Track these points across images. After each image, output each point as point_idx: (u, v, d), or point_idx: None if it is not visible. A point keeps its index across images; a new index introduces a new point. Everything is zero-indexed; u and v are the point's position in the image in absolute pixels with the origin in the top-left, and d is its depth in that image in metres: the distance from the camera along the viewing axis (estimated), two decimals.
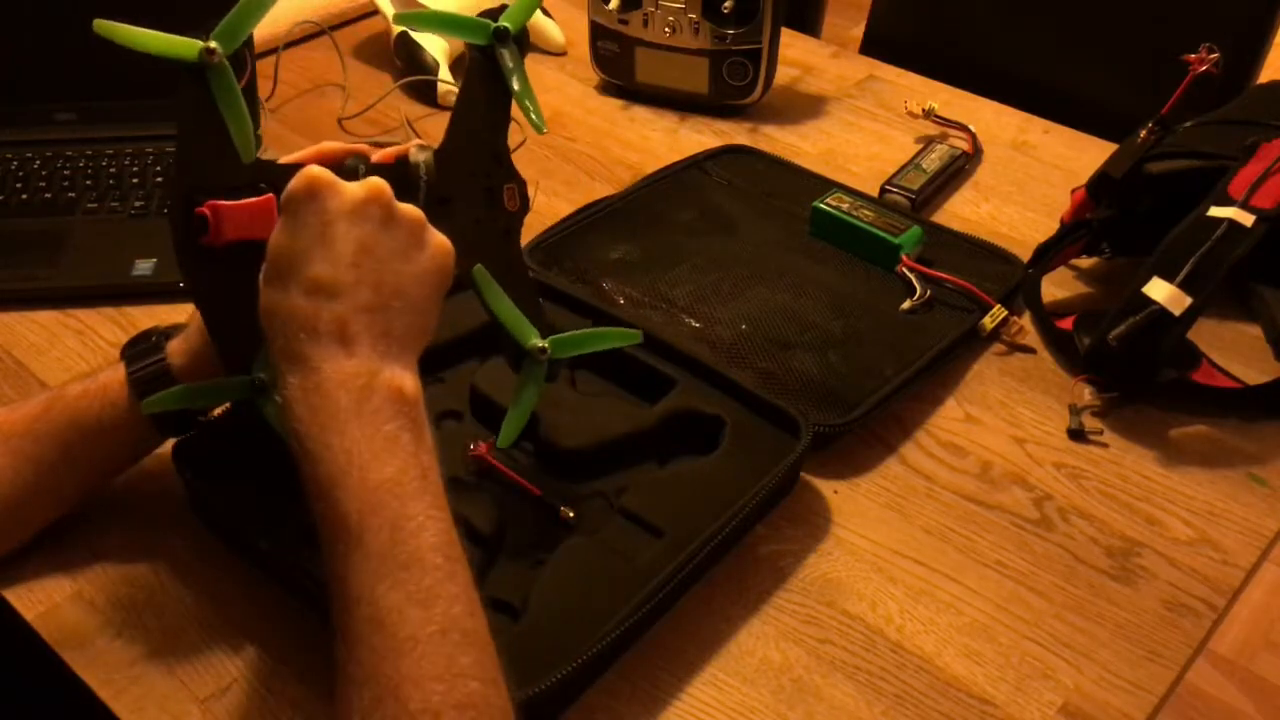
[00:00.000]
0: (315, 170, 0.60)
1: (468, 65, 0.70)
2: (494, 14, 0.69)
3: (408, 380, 0.59)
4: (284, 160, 0.66)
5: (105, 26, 0.62)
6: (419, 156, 0.67)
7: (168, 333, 0.70)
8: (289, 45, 1.24)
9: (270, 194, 0.62)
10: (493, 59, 0.68)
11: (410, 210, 0.61)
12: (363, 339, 0.58)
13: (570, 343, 0.70)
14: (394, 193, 0.62)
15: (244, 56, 0.63)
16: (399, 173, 0.66)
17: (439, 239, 0.63)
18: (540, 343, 0.68)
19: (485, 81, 0.69)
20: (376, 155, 0.68)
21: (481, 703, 0.53)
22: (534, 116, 0.69)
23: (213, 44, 0.61)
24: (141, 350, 0.69)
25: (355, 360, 0.58)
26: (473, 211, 0.68)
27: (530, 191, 0.73)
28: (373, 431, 0.57)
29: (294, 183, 0.59)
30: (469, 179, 0.68)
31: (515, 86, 0.68)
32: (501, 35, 0.68)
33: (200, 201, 0.61)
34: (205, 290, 0.64)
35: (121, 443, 0.70)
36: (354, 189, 0.60)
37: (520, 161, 1.12)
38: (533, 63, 1.29)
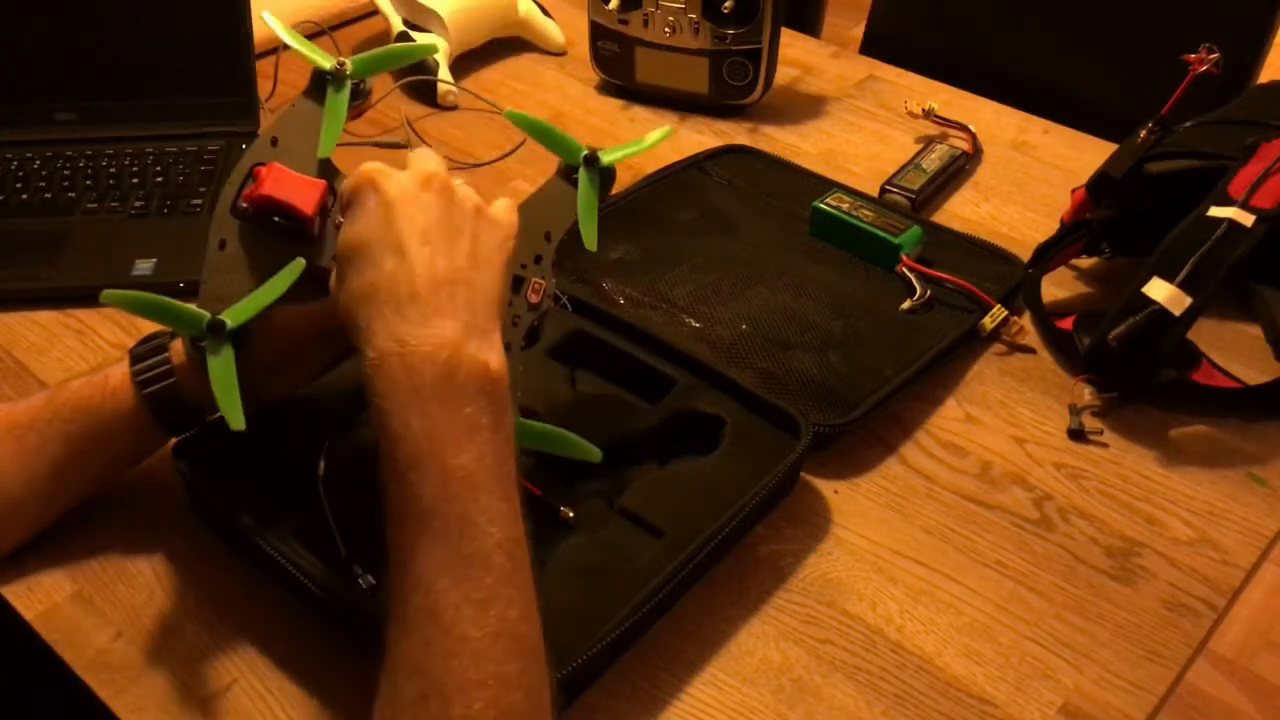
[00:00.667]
0: (370, 164, 0.61)
1: (553, 173, 0.74)
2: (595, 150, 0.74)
3: (493, 356, 0.58)
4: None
5: (271, 21, 0.72)
6: None
7: (174, 334, 0.70)
8: (289, 45, 1.24)
9: (324, 182, 0.67)
10: (572, 179, 0.73)
11: (465, 189, 0.62)
12: (445, 312, 0.57)
13: (531, 433, 0.70)
14: None
15: (367, 91, 0.70)
16: None
17: (501, 208, 0.63)
18: None
19: (557, 193, 0.73)
20: None
21: (522, 715, 0.53)
22: (588, 236, 0.73)
23: (346, 60, 0.69)
24: (147, 349, 0.69)
25: (440, 332, 0.56)
26: None
27: (564, 299, 0.77)
28: (455, 413, 0.56)
29: (352, 177, 0.61)
30: None
31: (580, 203, 0.72)
32: (590, 160, 0.73)
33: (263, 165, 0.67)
34: (220, 240, 0.67)
35: (124, 440, 0.70)
36: (410, 173, 0.61)
37: (520, 161, 1.13)
38: (533, 62, 1.29)
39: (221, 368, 0.63)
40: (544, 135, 0.74)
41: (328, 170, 0.69)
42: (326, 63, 0.69)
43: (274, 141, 0.68)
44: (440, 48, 1.22)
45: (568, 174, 0.73)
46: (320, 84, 0.69)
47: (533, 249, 0.70)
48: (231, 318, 0.64)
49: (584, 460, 0.71)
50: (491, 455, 0.56)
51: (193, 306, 0.65)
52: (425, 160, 0.62)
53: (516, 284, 0.70)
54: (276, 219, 0.67)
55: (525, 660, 0.54)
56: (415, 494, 0.54)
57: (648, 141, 0.78)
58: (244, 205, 0.67)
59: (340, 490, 0.69)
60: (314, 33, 1.28)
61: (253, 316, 0.65)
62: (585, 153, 0.72)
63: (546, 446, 0.71)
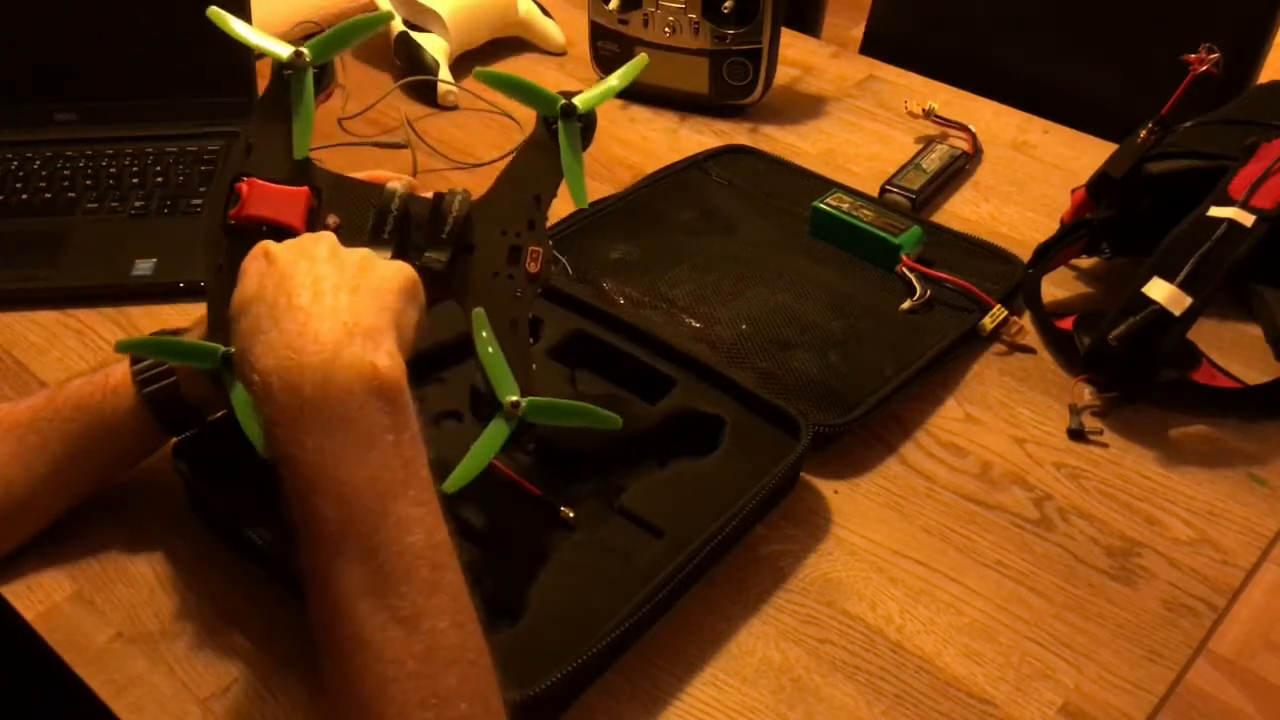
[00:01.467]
0: (260, 244, 0.61)
1: (531, 131, 0.71)
2: (570, 94, 0.70)
3: (381, 356, 0.55)
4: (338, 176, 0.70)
5: (216, 15, 0.69)
6: (454, 197, 0.68)
7: (174, 333, 0.70)
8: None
9: (306, 188, 0.66)
10: (553, 132, 0.70)
11: (359, 249, 0.62)
12: (323, 316, 0.56)
13: (548, 408, 0.67)
14: (423, 228, 0.66)
15: (330, 73, 0.69)
16: (433, 207, 0.68)
17: (397, 263, 0.63)
18: (515, 398, 0.66)
19: (540, 151, 0.70)
20: (420, 193, 0.69)
21: None
22: (577, 191, 0.70)
23: (304, 49, 0.66)
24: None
25: (314, 339, 0.55)
26: (493, 263, 0.69)
27: (563, 260, 0.75)
28: (345, 424, 0.53)
29: (246, 257, 0.61)
30: (498, 234, 0.69)
31: (565, 162, 0.69)
32: (567, 111, 0.69)
33: (243, 180, 0.66)
34: (218, 265, 0.66)
35: (125, 439, 0.70)
36: (298, 239, 0.61)
37: None
38: (533, 62, 1.29)
39: (242, 397, 0.62)
40: (516, 89, 0.71)
41: (308, 170, 0.67)
42: (284, 53, 0.67)
43: (249, 149, 0.67)
44: (440, 48, 1.22)
45: (547, 128, 0.70)
46: (281, 80, 0.67)
47: (524, 215, 0.68)
48: None
49: (604, 428, 0.69)
50: (397, 460, 0.54)
51: (203, 343, 0.65)
52: (317, 234, 0.63)
53: (514, 255, 0.68)
54: (263, 229, 0.66)
55: (463, 667, 0.53)
56: (321, 518, 0.53)
57: (623, 78, 0.74)
58: (232, 223, 0.66)
59: None
60: (314, 33, 1.27)
61: None
62: (562, 103, 0.69)
63: (565, 420, 0.69)
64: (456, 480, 0.64)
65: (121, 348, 0.66)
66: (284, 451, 0.54)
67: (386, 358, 0.56)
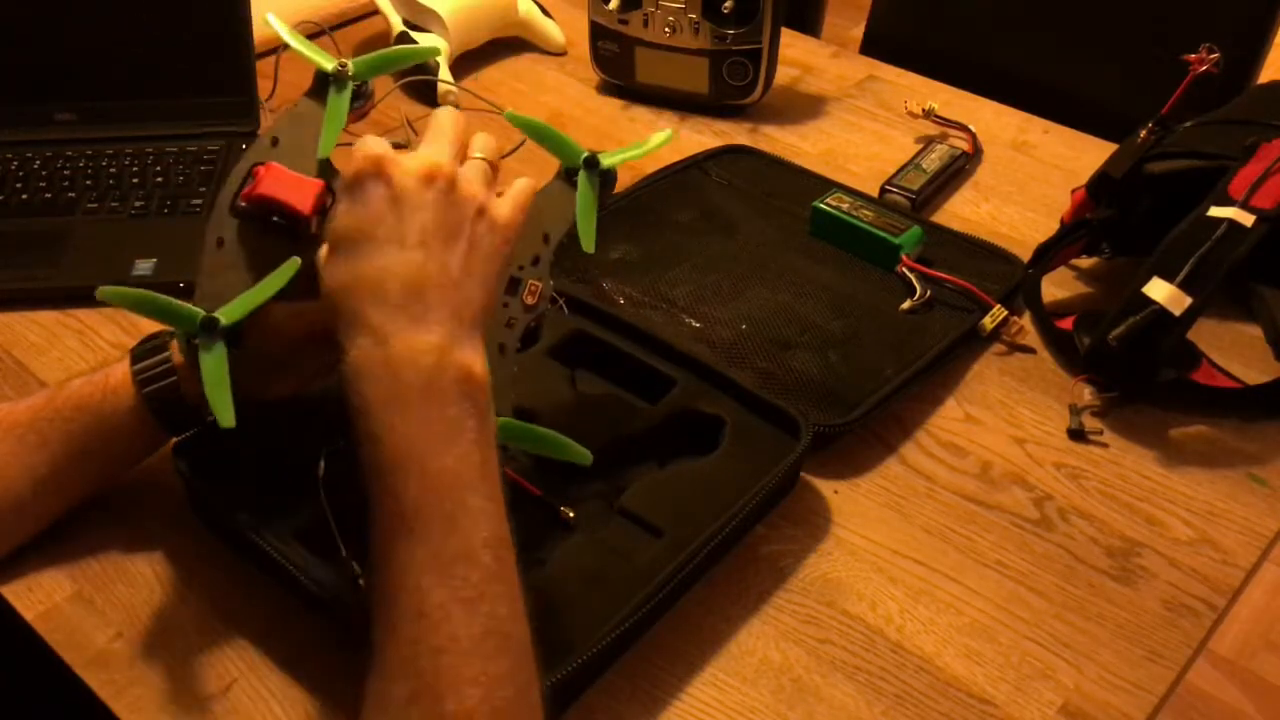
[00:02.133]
0: (376, 148, 0.61)
1: (555, 175, 0.73)
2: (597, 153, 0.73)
3: (477, 362, 0.58)
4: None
5: (274, 22, 0.72)
6: None
7: (174, 334, 0.70)
8: (289, 45, 1.24)
9: (322, 181, 0.67)
10: (572, 181, 0.72)
11: (470, 187, 0.61)
12: (433, 315, 0.57)
13: (520, 433, 0.68)
14: None
15: (369, 93, 0.71)
16: None
17: (502, 212, 0.62)
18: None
19: (557, 194, 0.72)
20: None
21: (515, 711, 0.53)
22: (585, 238, 0.72)
23: (348, 62, 0.69)
24: (148, 349, 0.69)
25: (426, 336, 0.56)
26: None
27: (560, 300, 0.78)
28: (438, 414, 0.56)
29: (357, 159, 0.60)
30: None
31: (579, 206, 0.72)
32: (590, 163, 0.72)
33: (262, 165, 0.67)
34: (218, 238, 0.67)
35: (124, 439, 0.70)
36: (416, 163, 0.60)
37: (520, 160, 1.13)
38: (532, 62, 1.29)
39: (214, 364, 0.63)
40: (544, 136, 0.73)
41: (327, 170, 0.69)
42: (329, 64, 0.69)
43: (274, 141, 0.69)
44: (441, 49, 1.22)
45: (568, 176, 0.73)
46: (322, 85, 0.69)
47: (530, 250, 0.70)
48: (225, 315, 0.64)
49: (575, 463, 0.70)
50: (477, 454, 0.56)
51: (189, 304, 0.65)
52: (437, 149, 0.62)
53: (513, 285, 0.70)
54: (275, 218, 0.67)
55: (514, 657, 0.54)
56: (398, 495, 0.54)
57: (649, 145, 0.77)
58: (242, 204, 0.67)
59: (340, 490, 0.69)
60: (314, 33, 1.28)
61: (246, 314, 0.65)
62: (585, 155, 0.72)
63: (538, 448, 0.70)
64: None
65: (104, 295, 0.65)
66: (371, 430, 0.55)
67: (480, 362, 0.58)
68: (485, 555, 0.55)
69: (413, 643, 0.53)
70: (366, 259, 0.58)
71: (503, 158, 1.03)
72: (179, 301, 0.65)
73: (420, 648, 0.52)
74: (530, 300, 0.70)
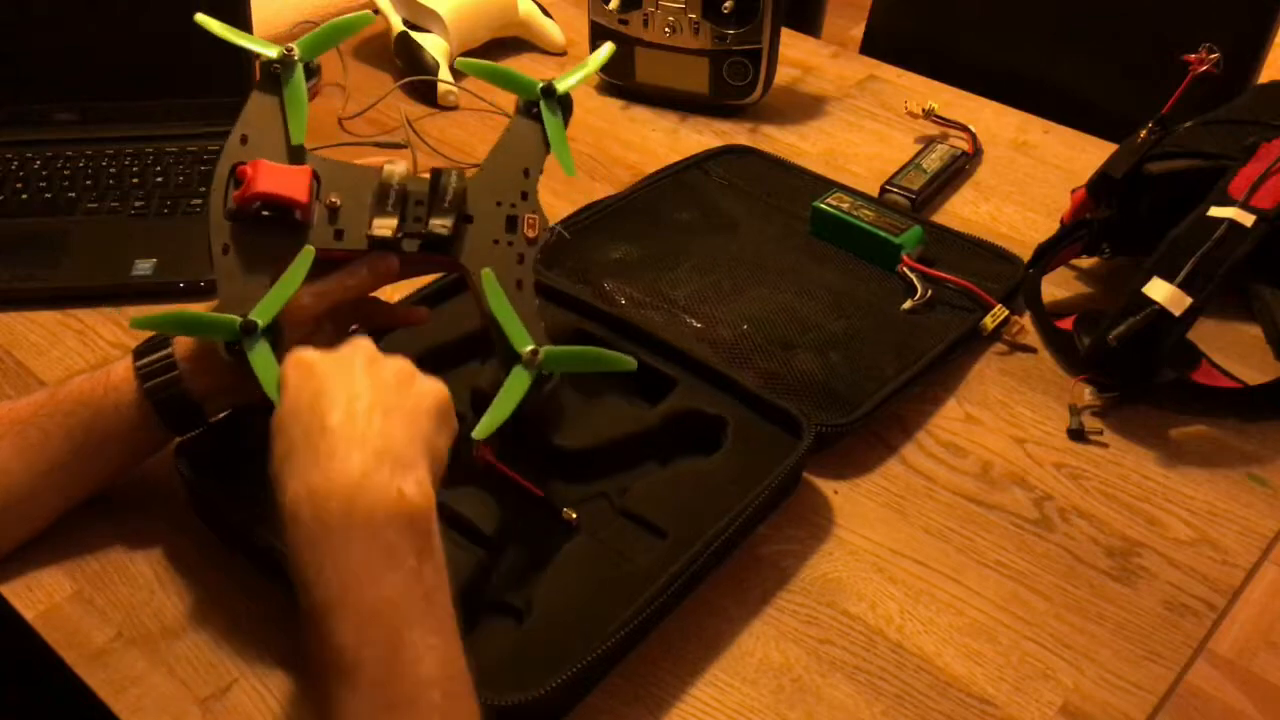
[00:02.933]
0: (297, 350, 0.60)
1: (515, 112, 0.76)
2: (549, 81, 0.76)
3: (410, 485, 0.55)
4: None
5: (204, 20, 0.72)
6: (451, 173, 0.73)
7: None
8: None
9: (309, 167, 0.70)
10: (536, 114, 0.75)
11: (397, 358, 0.61)
12: (354, 442, 0.55)
13: (564, 356, 0.71)
14: (425, 202, 0.71)
15: (316, 69, 0.71)
16: (432, 182, 0.72)
17: (432, 380, 0.62)
18: (533, 347, 0.69)
19: (525, 130, 0.75)
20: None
21: None
22: (564, 161, 0.75)
23: (294, 46, 0.71)
24: (150, 346, 0.69)
25: (344, 464, 0.54)
26: (492, 233, 0.73)
27: (558, 227, 0.79)
28: (366, 546, 0.53)
29: (283, 364, 0.60)
30: (494, 206, 0.73)
31: (550, 135, 0.75)
32: (548, 92, 0.75)
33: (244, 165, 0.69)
34: (223, 245, 0.69)
35: (126, 436, 0.70)
36: (338, 350, 0.60)
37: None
38: (532, 62, 1.29)
39: (263, 363, 0.65)
40: (498, 76, 0.77)
41: (303, 156, 0.70)
42: (273, 52, 0.71)
43: (244, 139, 0.70)
44: (440, 48, 1.22)
45: (528, 110, 0.75)
46: (271, 75, 0.71)
47: (516, 188, 0.73)
48: (260, 316, 0.66)
49: (620, 371, 0.73)
50: (417, 587, 0.53)
51: (221, 315, 0.66)
52: (356, 342, 0.62)
53: (511, 223, 0.73)
54: (265, 212, 0.68)
55: None
56: (332, 641, 0.52)
57: (595, 61, 0.81)
58: (234, 206, 0.68)
59: None
60: None
61: (279, 310, 0.66)
62: (541, 85, 0.75)
63: (582, 366, 0.72)
64: (485, 428, 0.67)
65: (137, 324, 0.66)
66: (305, 575, 0.53)
67: (414, 485, 0.55)
68: (433, 694, 0.52)
69: None
70: (295, 425, 0.57)
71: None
72: (212, 314, 0.67)
73: None
74: (531, 233, 0.73)
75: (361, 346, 0.61)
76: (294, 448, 0.56)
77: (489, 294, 0.70)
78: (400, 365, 0.61)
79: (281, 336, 0.67)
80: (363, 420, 0.56)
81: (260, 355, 0.65)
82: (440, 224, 0.71)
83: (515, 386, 0.69)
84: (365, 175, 0.72)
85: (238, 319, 0.65)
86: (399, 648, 0.52)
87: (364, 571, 0.53)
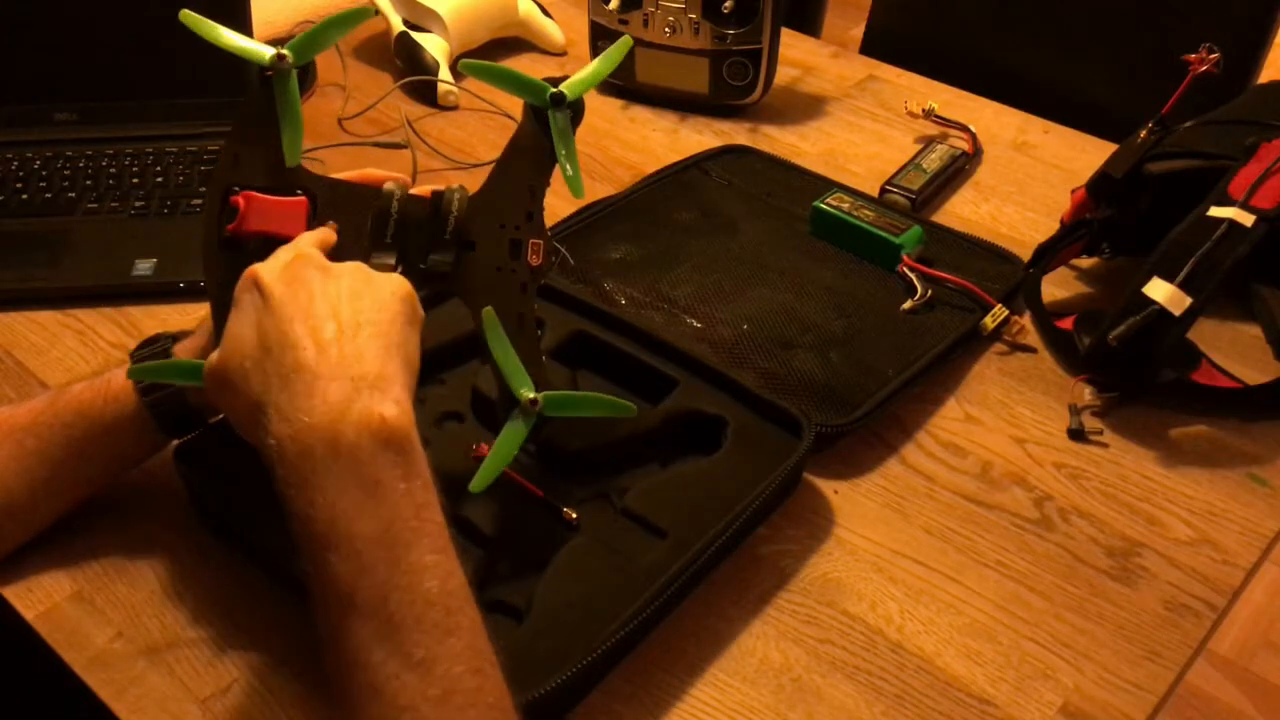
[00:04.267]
0: (251, 273, 0.59)
1: (520, 121, 0.71)
2: (556, 81, 0.70)
3: (388, 406, 0.55)
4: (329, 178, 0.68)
5: (190, 18, 0.65)
6: (453, 195, 0.68)
7: (175, 337, 0.70)
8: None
9: (304, 197, 0.65)
10: (544, 120, 0.69)
11: (348, 263, 0.61)
12: (331, 374, 0.55)
13: (564, 401, 0.68)
14: (424, 229, 0.66)
15: (311, 72, 0.65)
16: (431, 207, 0.68)
17: (389, 275, 0.61)
18: (533, 395, 0.67)
19: (531, 142, 0.70)
20: (414, 189, 0.69)
21: None
22: (573, 181, 0.70)
23: (285, 51, 0.64)
24: (148, 352, 0.69)
25: (323, 399, 0.54)
26: (495, 259, 0.69)
27: (563, 250, 0.75)
28: (355, 477, 0.53)
29: (237, 288, 0.59)
30: (497, 229, 0.69)
31: (560, 150, 0.70)
32: (557, 99, 0.69)
33: (237, 193, 0.64)
34: (220, 281, 0.65)
35: (125, 441, 0.70)
36: (279, 256, 0.60)
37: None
38: (532, 62, 1.29)
39: (287, 96, 0.62)
40: (504, 79, 0.71)
41: (298, 175, 0.66)
42: (265, 54, 0.65)
43: (235, 159, 0.65)
44: (440, 48, 1.22)
45: (537, 118, 0.70)
46: (263, 83, 0.65)
47: (521, 208, 0.68)
48: None
49: (619, 416, 0.70)
50: (409, 508, 0.54)
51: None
52: (299, 245, 0.62)
53: (515, 248, 0.68)
54: (261, 241, 0.65)
55: (481, 710, 0.52)
56: (333, 575, 0.52)
57: (608, 61, 0.74)
58: (226, 237, 0.65)
59: None
60: None
61: None
62: (551, 91, 0.69)
63: (581, 410, 0.70)
64: (481, 481, 0.65)
65: (134, 375, 0.66)
66: (298, 511, 0.54)
67: (394, 406, 0.55)
68: (432, 613, 0.53)
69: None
70: (263, 361, 0.56)
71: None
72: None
73: None
74: (535, 260, 0.69)
75: (311, 259, 0.60)
76: (268, 388, 0.55)
77: (489, 335, 0.67)
78: (354, 270, 0.60)
79: None
80: (334, 349, 0.56)
81: None
82: (440, 260, 0.68)
83: (513, 435, 0.67)
84: (364, 197, 0.68)
85: None
86: (396, 572, 0.52)
87: (354, 505, 0.53)
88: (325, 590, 0.53)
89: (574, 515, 0.73)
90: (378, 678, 0.51)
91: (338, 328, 0.57)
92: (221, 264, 0.65)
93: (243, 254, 0.64)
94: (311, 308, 0.57)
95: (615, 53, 0.75)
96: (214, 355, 0.60)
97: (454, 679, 0.52)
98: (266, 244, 0.64)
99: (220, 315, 0.65)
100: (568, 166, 0.70)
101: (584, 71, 0.72)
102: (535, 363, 0.69)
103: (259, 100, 0.65)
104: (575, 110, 0.70)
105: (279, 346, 0.56)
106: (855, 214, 0.97)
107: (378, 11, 1.23)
